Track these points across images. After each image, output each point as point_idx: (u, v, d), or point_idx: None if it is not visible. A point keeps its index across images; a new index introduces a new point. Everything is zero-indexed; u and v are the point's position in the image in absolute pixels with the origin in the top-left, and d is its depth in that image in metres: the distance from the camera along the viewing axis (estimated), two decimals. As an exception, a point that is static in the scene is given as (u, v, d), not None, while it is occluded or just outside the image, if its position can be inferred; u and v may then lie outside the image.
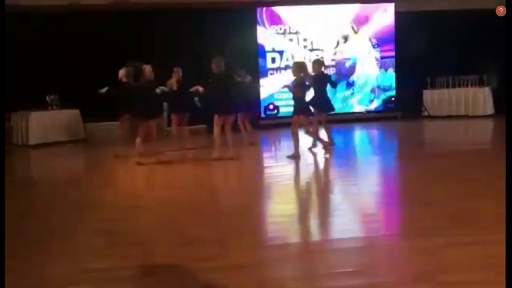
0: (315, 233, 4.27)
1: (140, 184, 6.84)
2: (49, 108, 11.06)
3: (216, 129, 7.74)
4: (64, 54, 11.35)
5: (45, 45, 11.37)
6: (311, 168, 7.40)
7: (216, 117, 7.69)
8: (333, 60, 13.05)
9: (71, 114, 11.19)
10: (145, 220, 4.72)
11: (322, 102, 8.18)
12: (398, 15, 12.97)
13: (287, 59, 12.85)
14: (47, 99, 11.00)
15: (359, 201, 5.16)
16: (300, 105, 7.56)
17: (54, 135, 10.87)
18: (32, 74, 11.18)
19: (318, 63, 8.31)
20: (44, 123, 10.76)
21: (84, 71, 10.96)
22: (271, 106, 12.88)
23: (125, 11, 11.86)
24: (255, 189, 6.06)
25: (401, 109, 13.12)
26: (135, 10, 11.89)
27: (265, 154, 9.19)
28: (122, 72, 8.35)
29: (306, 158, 7.95)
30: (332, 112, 8.64)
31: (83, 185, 6.83)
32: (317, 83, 7.96)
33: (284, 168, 7.27)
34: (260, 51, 12.72)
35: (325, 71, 8.64)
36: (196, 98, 8.83)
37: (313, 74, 8.08)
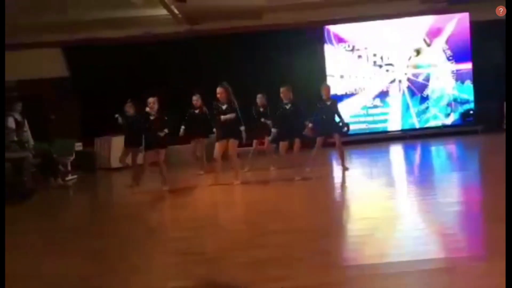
0: (391, 254, 4.09)
1: (211, 204, 6.98)
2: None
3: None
4: (141, 81, 11.98)
5: (124, 73, 12.09)
6: (385, 185, 7.19)
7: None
8: (405, 74, 12.71)
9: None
10: (215, 240, 4.80)
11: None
12: (474, 24, 12.41)
13: (356, 76, 12.69)
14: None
15: (439, 219, 4.93)
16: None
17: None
18: (112, 101, 11.89)
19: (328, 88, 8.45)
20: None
21: (159, 97, 11.50)
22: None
23: (195, 38, 12.36)
24: (325, 208, 5.98)
25: (481, 123, 12.42)
26: (208, 36, 12.36)
27: (335, 174, 9.05)
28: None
29: (379, 176, 7.72)
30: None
31: (158, 205, 7.11)
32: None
33: (353, 186, 7.13)
34: (328, 69, 12.66)
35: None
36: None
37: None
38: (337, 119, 8.40)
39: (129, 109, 8.68)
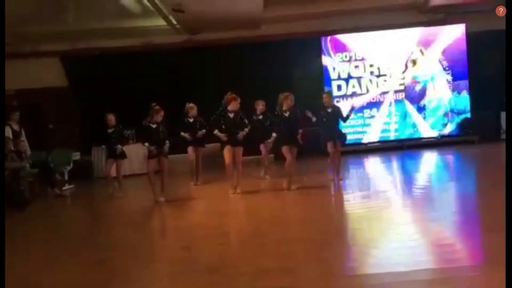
0: (390, 264, 4.09)
1: (214, 213, 6.97)
2: (126, 142, 11.63)
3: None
4: (138, 91, 11.99)
5: (121, 83, 12.10)
6: (383, 196, 7.20)
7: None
8: (401, 84, 12.78)
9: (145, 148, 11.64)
10: (218, 249, 4.80)
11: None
12: (470, 35, 12.51)
13: (353, 86, 12.75)
14: (124, 133, 11.60)
15: (437, 230, 4.94)
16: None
17: (130, 167, 11.38)
18: (110, 110, 11.91)
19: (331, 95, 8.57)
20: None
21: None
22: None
23: (197, 48, 12.42)
24: (324, 218, 5.99)
25: (478, 133, 12.47)
26: (206, 46, 12.42)
27: (332, 183, 9.05)
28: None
29: (377, 186, 7.72)
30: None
31: (160, 214, 7.11)
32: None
33: (352, 197, 7.14)
34: (325, 79, 12.72)
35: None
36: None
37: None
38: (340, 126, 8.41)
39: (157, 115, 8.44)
